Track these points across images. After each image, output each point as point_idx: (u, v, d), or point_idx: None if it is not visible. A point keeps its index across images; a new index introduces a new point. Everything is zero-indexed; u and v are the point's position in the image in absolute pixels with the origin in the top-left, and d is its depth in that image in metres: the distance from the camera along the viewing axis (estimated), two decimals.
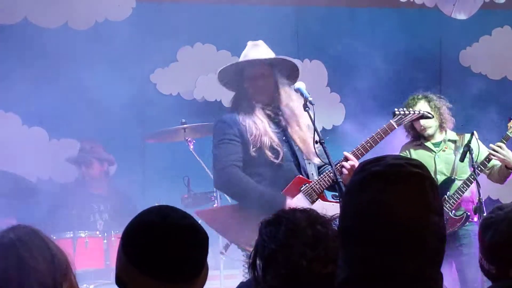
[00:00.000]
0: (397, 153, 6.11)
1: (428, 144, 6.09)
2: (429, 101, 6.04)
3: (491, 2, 7.73)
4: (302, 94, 4.65)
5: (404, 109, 5.13)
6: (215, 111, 6.88)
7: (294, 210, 2.45)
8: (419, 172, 1.94)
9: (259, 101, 4.79)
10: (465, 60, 7.80)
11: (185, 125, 5.99)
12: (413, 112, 5.17)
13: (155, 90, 7.17)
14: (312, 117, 4.59)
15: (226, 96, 7.05)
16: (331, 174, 4.59)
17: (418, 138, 6.12)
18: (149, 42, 7.02)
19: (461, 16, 7.74)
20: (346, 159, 4.65)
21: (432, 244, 1.89)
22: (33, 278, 2.42)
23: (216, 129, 4.83)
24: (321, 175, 4.69)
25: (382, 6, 7.46)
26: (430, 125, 6.03)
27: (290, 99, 4.81)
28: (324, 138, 4.56)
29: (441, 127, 6.07)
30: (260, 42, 4.95)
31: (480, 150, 5.88)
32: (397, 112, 5.04)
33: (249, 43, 4.95)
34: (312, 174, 4.78)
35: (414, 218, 1.87)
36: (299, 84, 4.70)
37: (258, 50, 4.89)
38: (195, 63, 7.23)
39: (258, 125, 4.68)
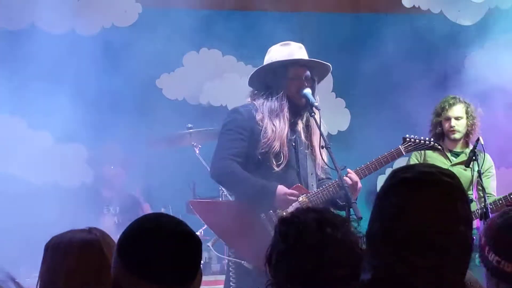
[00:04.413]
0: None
1: (446, 150, 6.03)
2: (467, 107, 6.02)
3: (496, 8, 7.74)
4: (308, 99, 4.67)
5: (416, 136, 5.07)
6: (220, 116, 6.89)
7: (308, 211, 2.46)
8: (449, 181, 1.99)
9: (293, 103, 4.74)
10: (471, 66, 7.80)
11: (191, 130, 6.01)
12: (423, 141, 5.06)
13: (161, 95, 7.20)
14: (318, 122, 4.62)
15: (231, 101, 7.09)
16: (330, 188, 4.62)
17: (439, 138, 6.07)
18: (155, 47, 7.03)
19: (466, 22, 7.75)
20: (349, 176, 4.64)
21: (456, 253, 1.93)
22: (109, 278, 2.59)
23: (229, 117, 4.79)
24: (320, 188, 4.70)
25: (387, 11, 7.48)
26: (459, 130, 6.00)
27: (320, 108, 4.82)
28: (329, 143, 4.60)
29: (466, 136, 6.02)
30: (302, 45, 4.89)
31: (486, 159, 5.87)
32: (407, 139, 5.00)
33: (293, 43, 4.88)
34: (312, 185, 4.79)
35: (440, 225, 1.92)
36: (305, 90, 4.72)
37: (304, 54, 4.84)
38: (201, 68, 7.26)
39: (277, 128, 4.65)
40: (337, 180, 4.55)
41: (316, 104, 4.63)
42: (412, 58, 7.47)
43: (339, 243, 2.30)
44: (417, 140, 5.01)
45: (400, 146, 4.92)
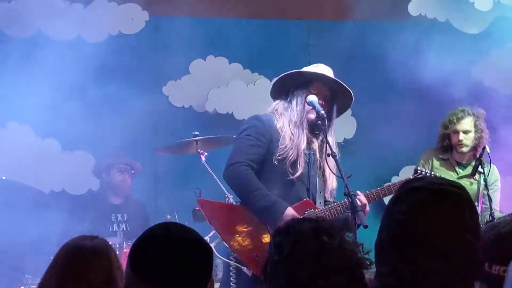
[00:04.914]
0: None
1: (454, 163, 6.02)
2: (475, 120, 5.98)
3: (502, 16, 7.74)
4: (314, 108, 4.71)
5: (427, 171, 5.12)
6: (227, 124, 6.92)
7: (304, 220, 2.46)
8: (457, 192, 2.04)
9: (311, 118, 4.80)
10: (477, 74, 7.80)
11: (197, 138, 6.01)
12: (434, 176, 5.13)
13: (167, 102, 7.21)
14: (325, 130, 4.64)
15: (238, 109, 7.11)
16: (338, 207, 4.65)
17: (447, 150, 6.05)
18: (161, 55, 7.07)
19: (473, 31, 7.75)
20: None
21: (462, 260, 1.95)
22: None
23: (250, 123, 4.86)
24: (328, 206, 4.73)
25: (393, 20, 7.48)
26: (467, 143, 5.96)
27: (333, 133, 4.86)
28: (335, 152, 4.62)
29: (474, 149, 5.99)
30: (330, 69, 4.97)
31: (493, 171, 5.84)
32: (418, 171, 5.05)
33: (322, 65, 4.97)
34: (320, 203, 4.84)
35: (446, 232, 1.95)
36: (312, 98, 4.75)
37: (331, 75, 4.92)
38: (207, 75, 7.27)
39: (295, 137, 4.71)
40: (344, 201, 4.58)
41: (322, 112, 4.66)
42: (418, 66, 7.47)
43: (335, 251, 2.29)
44: (427, 174, 5.06)
45: (411, 177, 4.95)
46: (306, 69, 4.99)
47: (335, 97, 4.92)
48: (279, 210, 4.56)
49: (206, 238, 5.59)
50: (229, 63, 7.35)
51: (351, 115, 7.61)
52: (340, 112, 5.04)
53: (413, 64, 7.53)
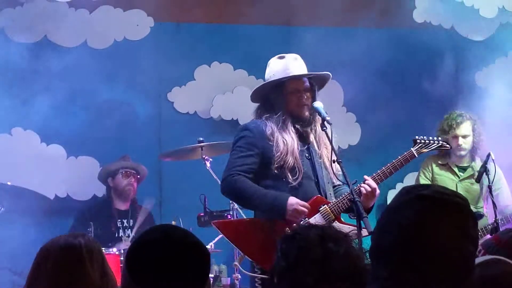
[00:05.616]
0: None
1: (453, 166, 6.03)
2: (473, 123, 5.99)
3: (507, 23, 7.74)
4: (319, 113, 4.70)
5: (425, 137, 5.08)
6: (231, 130, 6.92)
7: (311, 227, 2.46)
8: (462, 202, 2.07)
9: (295, 116, 4.78)
10: (481, 81, 7.80)
11: (202, 144, 6.02)
12: (433, 141, 5.08)
13: (172, 108, 7.22)
14: (330, 136, 4.64)
15: (242, 115, 7.11)
16: (350, 197, 4.63)
17: (445, 155, 6.05)
18: (166, 61, 7.07)
19: (478, 38, 7.75)
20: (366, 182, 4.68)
21: (463, 269, 1.98)
22: (84, 285, 2.60)
23: (239, 135, 4.83)
24: (340, 198, 4.71)
25: (399, 26, 7.49)
26: (466, 147, 5.96)
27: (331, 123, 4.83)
28: (341, 157, 4.62)
29: (473, 152, 6.00)
30: (298, 56, 4.94)
31: (496, 172, 5.83)
32: (418, 140, 5.01)
33: (288, 55, 4.91)
34: (330, 194, 4.82)
35: (453, 240, 1.99)
36: (317, 104, 4.74)
37: (299, 64, 4.89)
38: (212, 82, 7.28)
39: (287, 142, 4.68)
40: (348, 193, 4.57)
41: (328, 118, 4.66)
42: (423, 73, 7.48)
43: (341, 257, 2.29)
44: (427, 141, 5.03)
45: (412, 149, 4.94)
46: (273, 63, 4.92)
47: (311, 81, 4.87)
48: (282, 204, 4.53)
49: (211, 244, 5.62)
50: (234, 70, 7.36)
51: (356, 121, 7.62)
52: (320, 88, 4.96)
53: (417, 71, 7.54)
